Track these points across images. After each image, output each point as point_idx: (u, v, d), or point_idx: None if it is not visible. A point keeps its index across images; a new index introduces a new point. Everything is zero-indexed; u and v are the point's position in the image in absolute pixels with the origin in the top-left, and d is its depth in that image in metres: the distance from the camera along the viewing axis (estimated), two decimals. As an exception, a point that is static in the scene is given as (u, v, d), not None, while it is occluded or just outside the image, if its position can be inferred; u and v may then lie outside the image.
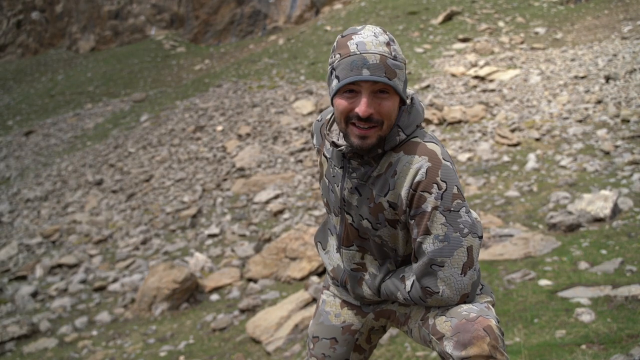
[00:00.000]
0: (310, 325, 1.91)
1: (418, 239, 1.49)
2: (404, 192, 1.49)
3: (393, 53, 1.45)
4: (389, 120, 1.47)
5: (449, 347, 1.43)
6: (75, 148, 23.40)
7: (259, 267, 8.60)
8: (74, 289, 10.29)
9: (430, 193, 1.45)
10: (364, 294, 1.72)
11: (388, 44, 1.45)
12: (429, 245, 1.47)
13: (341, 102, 1.47)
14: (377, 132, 1.47)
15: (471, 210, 1.51)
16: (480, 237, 1.51)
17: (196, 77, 30.77)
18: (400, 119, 1.53)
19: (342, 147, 1.55)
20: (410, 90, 1.60)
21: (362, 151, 1.50)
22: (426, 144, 1.51)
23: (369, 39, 1.44)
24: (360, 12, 31.85)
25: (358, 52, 1.42)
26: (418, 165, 1.47)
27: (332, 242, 1.81)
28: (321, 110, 19.17)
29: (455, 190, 1.46)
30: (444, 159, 1.48)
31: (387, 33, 1.48)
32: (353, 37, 1.45)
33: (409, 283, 1.57)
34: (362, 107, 1.43)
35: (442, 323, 1.48)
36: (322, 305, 1.88)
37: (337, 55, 1.48)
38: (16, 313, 9.55)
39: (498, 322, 1.46)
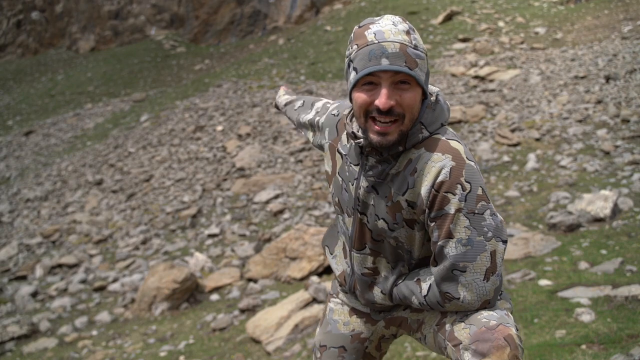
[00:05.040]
0: (317, 334, 1.85)
1: (439, 243, 1.40)
2: (424, 191, 1.40)
3: (414, 42, 1.36)
4: (411, 113, 1.38)
5: (466, 355, 1.34)
6: (75, 148, 23.40)
7: (259, 267, 8.60)
8: (74, 289, 10.28)
9: (454, 194, 1.36)
10: (374, 299, 1.64)
11: (408, 33, 1.37)
12: (451, 250, 1.38)
13: (360, 95, 1.39)
14: (398, 127, 1.38)
15: (497, 213, 1.42)
16: (505, 242, 1.42)
17: (196, 77, 30.77)
18: (423, 115, 1.44)
19: (361, 139, 1.47)
20: (434, 88, 1.52)
21: (382, 148, 1.42)
22: (449, 141, 1.41)
23: (387, 27, 1.36)
24: (360, 12, 31.87)
25: (376, 41, 1.34)
26: (441, 164, 1.37)
27: (341, 245, 1.72)
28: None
29: (480, 192, 1.37)
30: (467, 159, 1.39)
31: (407, 22, 1.40)
32: (370, 26, 1.38)
33: (425, 286, 1.48)
34: (382, 99, 1.34)
35: (461, 330, 1.39)
36: (330, 314, 1.81)
37: (355, 46, 1.39)
38: (16, 313, 9.55)
39: (517, 330, 1.39)
